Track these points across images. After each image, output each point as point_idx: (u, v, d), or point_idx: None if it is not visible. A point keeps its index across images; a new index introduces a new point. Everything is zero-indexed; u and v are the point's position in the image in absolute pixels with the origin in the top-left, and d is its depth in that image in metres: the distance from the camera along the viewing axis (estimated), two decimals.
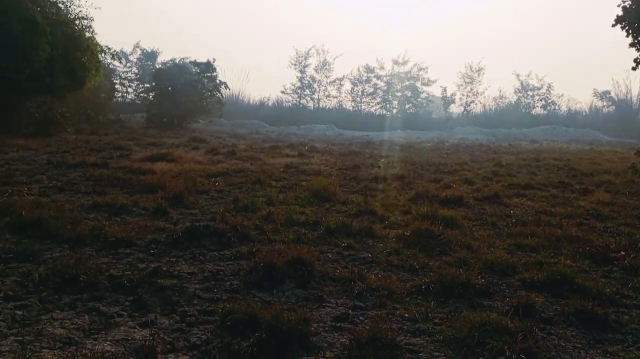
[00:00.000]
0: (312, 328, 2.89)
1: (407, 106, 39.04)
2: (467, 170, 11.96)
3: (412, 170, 11.45)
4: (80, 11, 16.25)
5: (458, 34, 71.19)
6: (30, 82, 14.35)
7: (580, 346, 2.98)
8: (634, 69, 10.41)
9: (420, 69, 38.65)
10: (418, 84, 38.75)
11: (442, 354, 2.78)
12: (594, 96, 38.42)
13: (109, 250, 4.31)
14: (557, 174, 11.27)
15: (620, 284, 4.04)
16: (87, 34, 16.42)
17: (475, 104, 39.76)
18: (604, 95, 37.89)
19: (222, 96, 28.07)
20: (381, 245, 4.93)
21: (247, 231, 4.98)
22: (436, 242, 4.94)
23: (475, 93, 39.31)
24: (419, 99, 38.98)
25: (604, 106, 38.76)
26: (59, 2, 15.44)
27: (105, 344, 2.66)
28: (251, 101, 39.88)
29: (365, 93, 39.66)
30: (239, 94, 38.74)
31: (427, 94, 39.21)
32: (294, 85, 39.79)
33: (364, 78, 39.35)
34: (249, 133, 24.95)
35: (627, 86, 47.28)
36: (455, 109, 39.85)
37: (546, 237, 5.32)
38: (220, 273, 3.89)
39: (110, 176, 8.06)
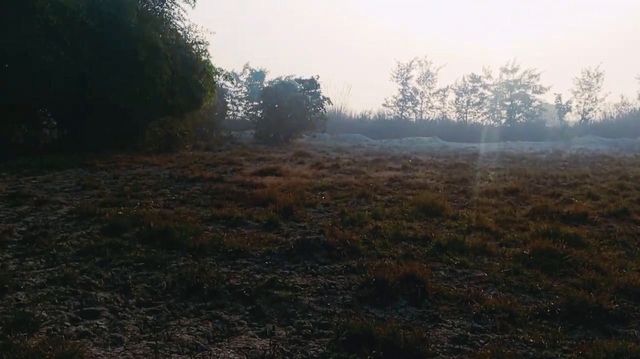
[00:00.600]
0: (430, 349, 2.80)
1: (517, 115, 37.15)
2: (589, 183, 11.03)
3: (526, 183, 10.80)
4: (197, 36, 17.56)
5: (572, 38, 66.41)
6: (153, 104, 15.74)
7: None
8: None
9: (531, 76, 36.68)
10: (529, 91, 36.76)
11: None
12: None
13: (228, 260, 4.54)
14: None
15: None
16: (203, 57, 17.68)
17: (594, 111, 36.81)
18: None
19: (325, 111, 28.72)
20: (497, 264, 4.67)
21: (355, 245, 4.99)
22: (559, 263, 4.57)
23: (594, 100, 36.40)
24: (530, 108, 36.91)
25: None
26: (179, 29, 16.81)
27: (229, 352, 2.78)
28: (353, 115, 40.34)
29: (471, 103, 38.42)
30: (341, 108, 39.37)
31: (539, 102, 37.07)
32: (395, 97, 39.69)
33: (470, 88, 38.17)
34: (351, 147, 25.18)
35: None
36: (572, 117, 37.16)
37: None
38: (332, 286, 3.92)
39: (226, 190, 8.53)
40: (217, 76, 19.32)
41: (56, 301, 3.47)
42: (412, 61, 39.13)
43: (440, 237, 5.31)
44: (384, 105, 40.11)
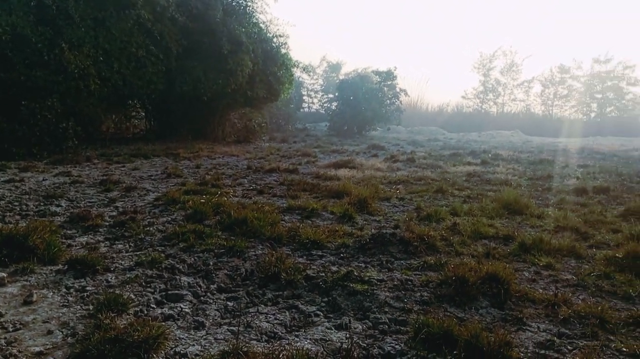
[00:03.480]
0: (514, 353, 2.66)
1: (608, 109, 34.62)
2: None
3: (618, 182, 10.03)
4: (277, 29, 17.87)
5: None
6: (235, 95, 16.26)
7: None
8: None
9: (625, 67, 34.01)
10: (623, 83, 34.12)
11: None
12: None
13: (303, 251, 4.59)
14: None
15: None
16: (283, 51, 17.98)
17: None
18: None
19: (401, 103, 28.28)
20: (587, 267, 4.37)
21: (433, 241, 4.86)
22: None
23: None
24: (623, 101, 34.29)
25: None
26: (260, 23, 17.19)
27: (306, 342, 2.81)
28: (429, 108, 39.44)
29: (558, 96, 36.33)
30: (417, 100, 38.63)
31: (634, 94, 34.26)
32: (475, 89, 38.39)
33: (557, 79, 36.11)
34: (427, 140, 24.63)
35: None
36: None
37: None
38: (409, 282, 3.85)
39: (301, 181, 8.65)
40: (295, 69, 19.59)
41: (143, 283, 3.67)
42: (496, 51, 37.76)
43: (524, 237, 5.06)
44: (463, 97, 38.98)
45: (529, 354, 2.76)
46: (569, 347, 2.87)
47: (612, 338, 3.01)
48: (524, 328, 3.12)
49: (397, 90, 27.72)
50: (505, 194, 7.19)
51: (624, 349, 2.84)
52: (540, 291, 3.74)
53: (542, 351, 2.80)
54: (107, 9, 12.37)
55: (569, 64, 35.98)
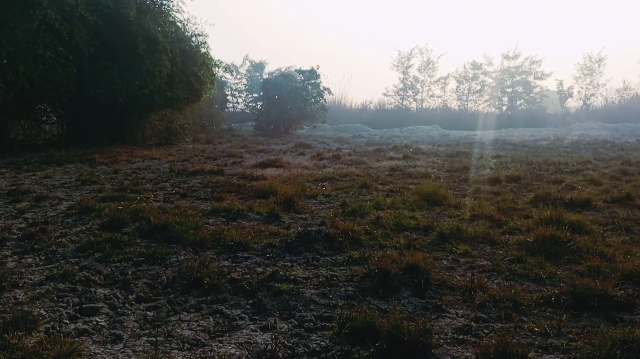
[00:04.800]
0: (434, 340, 2.76)
1: (518, 102, 36.93)
2: (591, 169, 10.96)
3: (528, 170, 10.73)
4: (196, 28, 17.42)
5: (575, 22, 65.90)
6: (153, 97, 15.66)
7: None
8: None
9: (532, 62, 36.36)
10: (530, 78, 36.46)
11: None
12: None
13: (229, 254, 4.50)
14: None
15: None
16: (203, 50, 17.56)
17: (596, 97, 36.52)
18: None
19: (326, 102, 28.55)
20: (501, 252, 4.63)
21: (357, 236, 4.94)
22: (563, 250, 4.53)
23: (595, 85, 36.13)
24: (532, 95, 36.67)
25: None
26: (177, 22, 16.68)
27: (230, 347, 2.75)
28: (353, 105, 40.06)
29: (472, 91, 38.18)
30: (341, 98, 39.12)
31: (541, 88, 36.76)
32: (396, 87, 39.45)
33: (470, 75, 37.91)
34: (352, 137, 25.07)
35: None
36: (573, 103, 36.92)
37: None
38: (334, 278, 3.88)
39: (226, 183, 8.48)
40: (216, 68, 19.19)
41: (55, 298, 3.44)
42: (413, 49, 38.88)
43: (443, 227, 5.27)
44: (385, 94, 39.89)
45: (448, 340, 2.87)
46: (485, 331, 3.02)
47: (524, 319, 3.19)
48: (443, 314, 3.24)
49: (321, 88, 27.94)
50: (425, 187, 7.46)
51: (536, 329, 3.03)
52: (458, 278, 3.90)
53: (460, 336, 2.92)
54: (10, 10, 11.46)
55: (481, 61, 37.84)
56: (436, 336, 2.86)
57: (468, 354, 2.68)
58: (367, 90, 76.85)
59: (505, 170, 10.81)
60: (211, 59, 18.17)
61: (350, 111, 38.89)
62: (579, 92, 36.49)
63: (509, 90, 37.11)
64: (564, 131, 27.14)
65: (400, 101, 39.38)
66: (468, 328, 3.03)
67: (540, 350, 2.77)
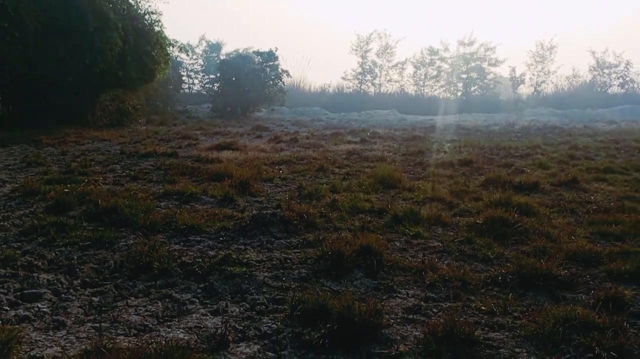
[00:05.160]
0: (384, 320, 2.79)
1: (472, 88, 37.72)
2: (540, 154, 11.36)
3: (480, 155, 11.01)
4: (149, 6, 16.84)
5: (528, 10, 67.62)
6: (104, 76, 15.06)
7: None
8: None
9: (487, 49, 37.15)
10: (485, 64, 37.26)
11: (524, 351, 2.60)
12: None
13: (181, 237, 4.41)
14: None
15: None
16: (157, 28, 16.99)
17: (547, 84, 37.81)
18: None
19: (284, 84, 28.30)
20: (452, 233, 4.74)
21: (312, 219, 4.94)
22: (511, 231, 4.67)
23: (546, 72, 37.40)
24: (486, 81, 37.52)
25: None
26: None
27: (178, 332, 2.69)
28: (312, 89, 39.88)
29: (429, 76, 38.69)
30: (300, 82, 38.85)
31: (495, 74, 37.65)
32: (354, 71, 39.50)
33: (427, 61, 38.38)
34: (310, 120, 25.00)
35: None
36: (525, 90, 38.07)
37: (632, 225, 4.94)
38: (288, 261, 3.87)
39: (180, 165, 8.29)
40: (171, 48, 18.66)
41: None
42: (372, 34, 38.94)
43: (397, 209, 5.33)
44: (343, 78, 39.89)
45: (398, 320, 2.91)
46: (434, 310, 3.08)
47: (472, 298, 3.28)
48: (395, 295, 3.29)
49: (280, 71, 27.63)
50: (380, 170, 7.53)
51: (483, 308, 3.11)
52: (410, 259, 3.97)
53: (410, 316, 2.97)
54: None
55: (438, 46, 38.30)
56: (387, 316, 2.90)
57: (417, 333, 2.73)
58: (326, 73, 76.73)
59: (459, 154, 11.05)
60: (165, 38, 17.61)
61: (309, 94, 38.70)
62: (530, 79, 37.69)
63: (464, 76, 37.83)
64: (515, 117, 27.97)
65: (359, 85, 39.52)
66: (418, 308, 3.08)
67: (486, 328, 2.85)
